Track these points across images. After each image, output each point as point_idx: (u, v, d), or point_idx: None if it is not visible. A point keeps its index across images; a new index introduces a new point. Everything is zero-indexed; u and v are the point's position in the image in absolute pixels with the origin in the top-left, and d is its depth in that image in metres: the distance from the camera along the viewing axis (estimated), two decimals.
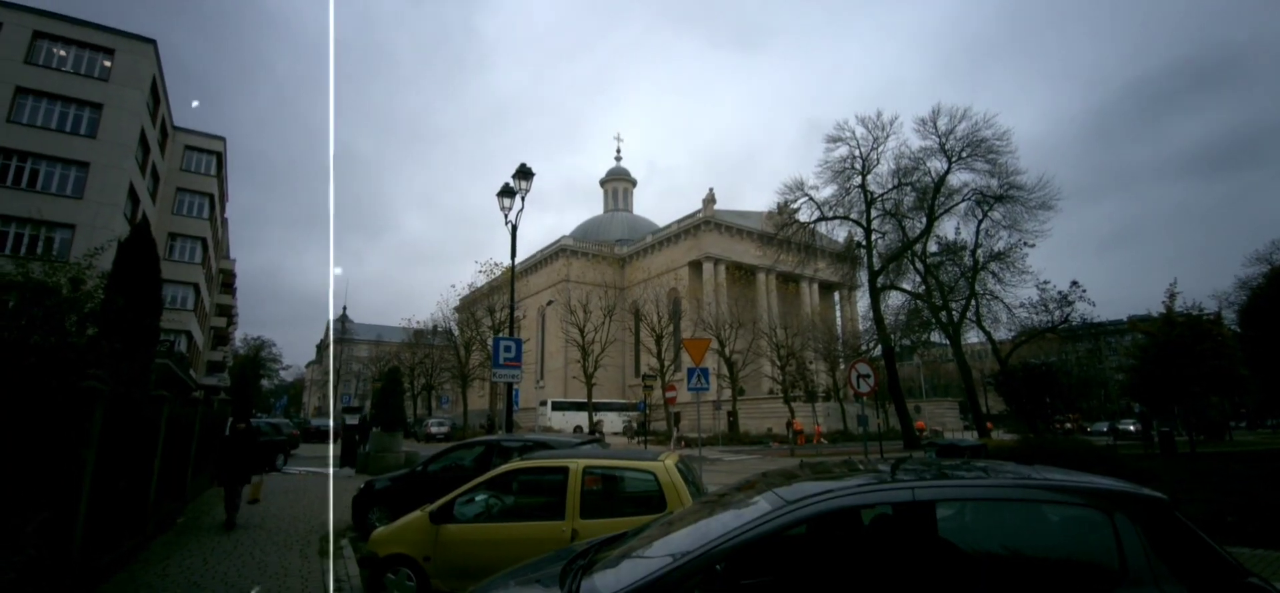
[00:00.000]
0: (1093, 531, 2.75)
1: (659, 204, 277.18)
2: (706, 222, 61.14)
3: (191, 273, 38.89)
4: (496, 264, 44.86)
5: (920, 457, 4.93)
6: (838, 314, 59.56)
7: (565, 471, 5.65)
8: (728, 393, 40.82)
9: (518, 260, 15.44)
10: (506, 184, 14.37)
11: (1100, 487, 2.88)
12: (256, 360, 66.66)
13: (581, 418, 44.82)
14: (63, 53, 29.44)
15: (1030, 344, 28.80)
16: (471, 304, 51.18)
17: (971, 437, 23.61)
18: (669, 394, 25.51)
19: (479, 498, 5.88)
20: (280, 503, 12.08)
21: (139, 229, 13.85)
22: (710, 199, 62.33)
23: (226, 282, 60.28)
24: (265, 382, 72.94)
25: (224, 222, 54.41)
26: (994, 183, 27.92)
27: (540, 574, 3.43)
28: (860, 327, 40.23)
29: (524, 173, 14.36)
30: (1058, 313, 25.97)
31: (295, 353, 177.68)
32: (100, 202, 28.18)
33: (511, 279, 16.14)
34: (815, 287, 61.25)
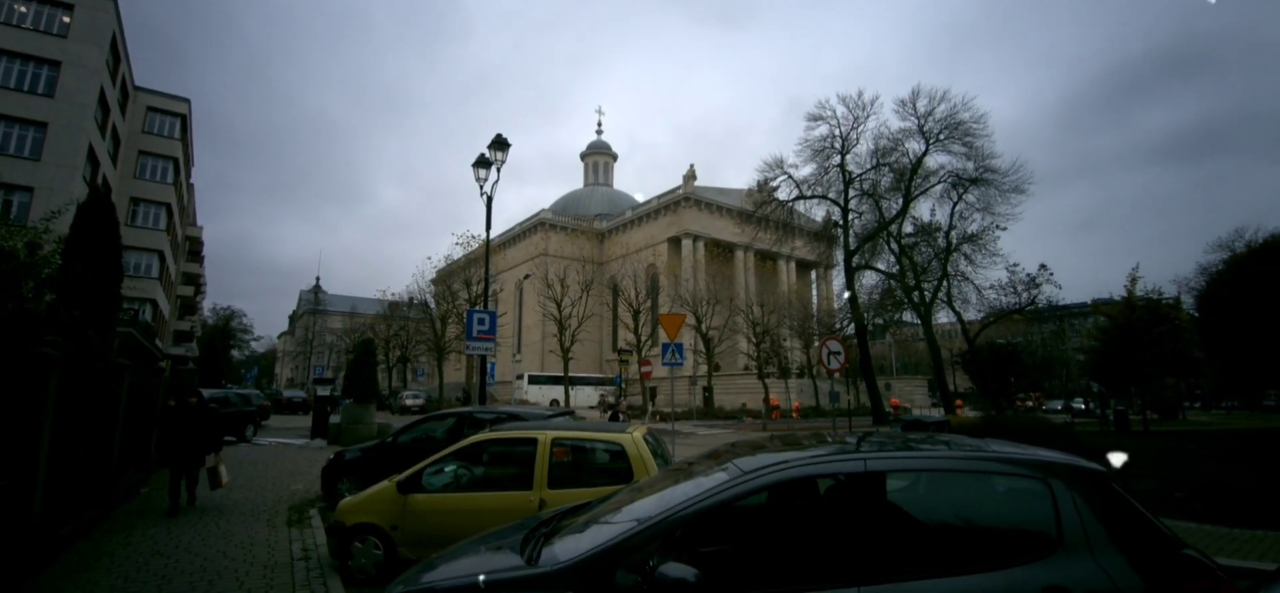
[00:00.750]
0: (1034, 500, 2.86)
1: (640, 179, 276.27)
2: (686, 198, 61.02)
3: (155, 239, 37.73)
4: (474, 237, 44.33)
5: (885, 431, 5.09)
6: (814, 293, 60.27)
7: (534, 442, 5.70)
8: (704, 369, 41.23)
9: (497, 234, 15.31)
10: (482, 155, 14.19)
11: (1041, 458, 2.99)
12: (226, 331, 65.33)
13: (558, 392, 44.93)
14: (24, 9, 28.19)
15: (997, 324, 29.55)
16: (448, 277, 50.62)
17: (938, 413, 24.33)
18: (644, 369, 25.65)
19: (448, 468, 5.91)
20: (248, 474, 11.97)
21: (97, 192, 13.37)
22: (690, 176, 62.15)
23: (194, 250, 58.64)
24: (236, 353, 71.60)
25: (190, 187, 52.74)
26: (970, 165, 28.35)
27: (503, 542, 3.47)
28: (835, 305, 40.86)
29: (500, 143, 14.19)
30: (1025, 295, 26.65)
31: (267, 323, 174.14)
32: (58, 164, 27.15)
33: (486, 252, 16.02)
34: (792, 265, 61.77)
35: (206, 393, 17.98)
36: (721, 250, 60.05)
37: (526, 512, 5.06)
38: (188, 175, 48.67)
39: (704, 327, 39.48)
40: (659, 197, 65.52)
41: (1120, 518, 2.77)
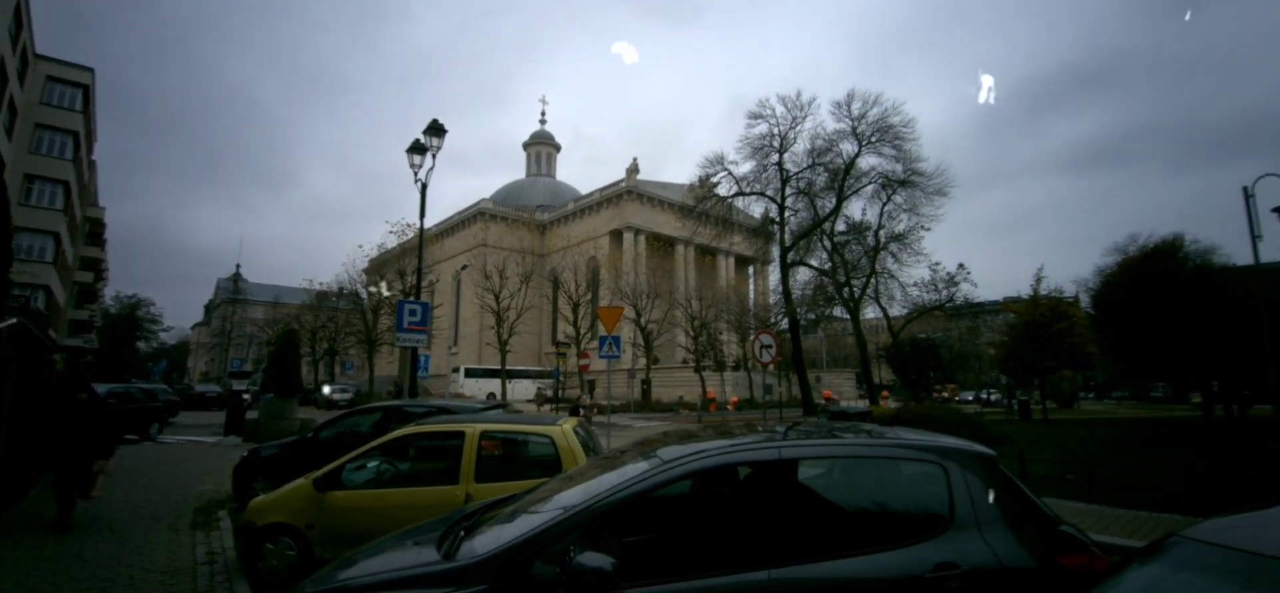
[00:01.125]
0: (932, 482, 3.05)
1: (583, 171, 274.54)
2: (629, 192, 61.19)
3: (50, 220, 34.53)
4: (409, 225, 42.88)
5: (812, 422, 5.30)
6: (751, 288, 61.72)
7: (462, 435, 5.59)
8: (643, 362, 41.50)
9: (434, 223, 14.96)
10: (417, 141, 13.82)
11: (938, 444, 3.20)
12: (132, 321, 60.54)
13: (495, 385, 44.27)
14: None
15: (919, 320, 31.19)
16: (382, 266, 48.82)
17: (864, 404, 25.60)
18: (582, 362, 25.59)
19: (371, 464, 5.73)
20: (151, 475, 11.18)
21: None
22: (633, 169, 62.33)
23: (95, 232, 53.86)
24: (142, 344, 66.39)
25: (92, 164, 48.44)
26: (898, 168, 29.63)
27: (422, 537, 3.40)
28: (770, 300, 41.87)
29: (436, 129, 13.86)
30: (945, 292, 28.29)
31: (180, 314, 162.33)
32: None
33: (420, 241, 15.59)
34: (731, 260, 63.05)
35: (106, 388, 16.65)
36: (662, 244, 60.59)
37: (453, 507, 4.97)
38: (90, 151, 44.69)
39: (643, 320, 39.71)
40: (601, 189, 65.42)
41: (1005, 498, 2.99)
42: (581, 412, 11.46)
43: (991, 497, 2.97)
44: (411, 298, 23.79)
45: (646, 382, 40.89)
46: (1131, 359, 23.34)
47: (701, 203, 33.89)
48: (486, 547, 2.86)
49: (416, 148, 13.71)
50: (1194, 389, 29.57)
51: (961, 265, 28.38)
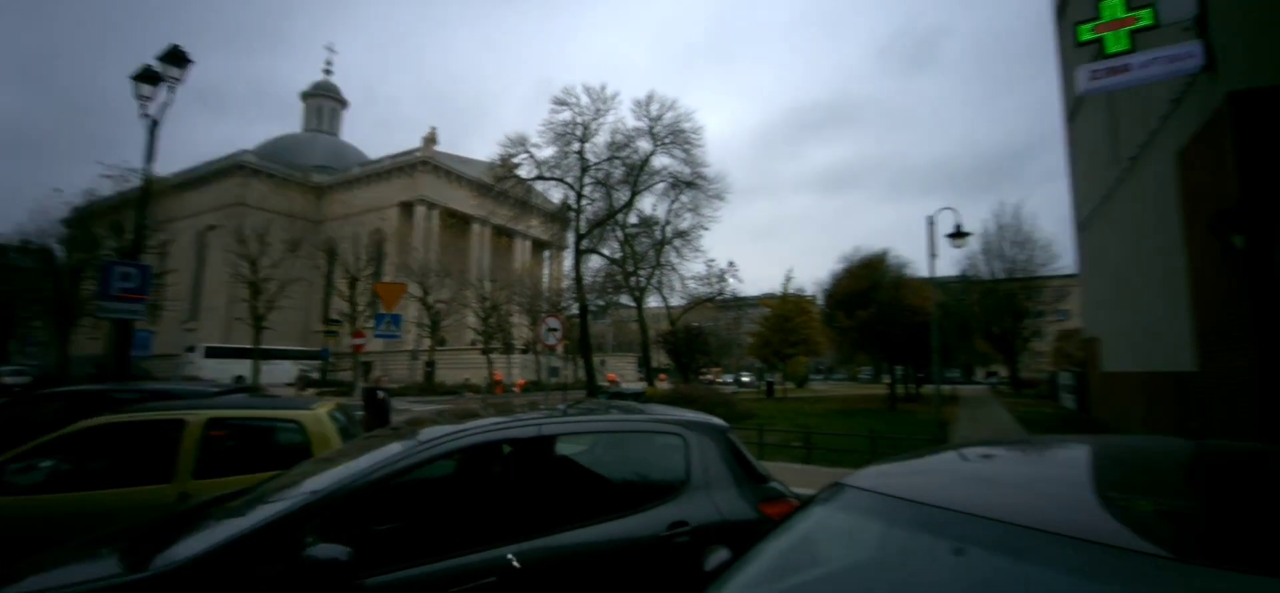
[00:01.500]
0: (675, 452, 3.46)
1: (374, 135, 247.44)
2: (424, 162, 57.14)
3: None
4: (134, 170, 34.63)
5: (592, 401, 5.55)
6: (546, 272, 62.08)
7: (181, 423, 4.73)
8: (428, 343, 39.38)
9: (175, 171, 12.41)
10: (148, 67, 11.45)
11: (682, 418, 3.63)
12: None
13: (246, 366, 38.33)
14: None
15: (694, 310, 34.56)
16: (91, 219, 38.80)
17: (642, 386, 27.63)
18: (356, 341, 23.28)
19: (44, 463, 4.58)
20: None
21: None
22: (432, 139, 58.32)
23: None
24: None
25: None
26: (687, 170, 32.23)
27: (108, 545, 2.84)
28: (564, 285, 42.69)
29: (176, 57, 11.62)
30: (717, 286, 31.79)
31: None
32: None
33: (144, 190, 13.01)
34: (528, 244, 62.64)
35: None
36: (458, 222, 57.94)
37: (163, 508, 4.20)
38: None
39: (431, 300, 37.63)
40: (393, 156, 60.19)
41: (730, 462, 3.51)
42: (380, 394, 10.38)
43: (720, 461, 3.45)
44: (128, 259, 19.44)
45: (431, 364, 38.84)
46: (848, 347, 28.73)
47: (501, 182, 33.11)
48: (192, 549, 2.49)
49: (148, 76, 11.40)
50: (887, 372, 37.46)
51: (731, 263, 32.27)
